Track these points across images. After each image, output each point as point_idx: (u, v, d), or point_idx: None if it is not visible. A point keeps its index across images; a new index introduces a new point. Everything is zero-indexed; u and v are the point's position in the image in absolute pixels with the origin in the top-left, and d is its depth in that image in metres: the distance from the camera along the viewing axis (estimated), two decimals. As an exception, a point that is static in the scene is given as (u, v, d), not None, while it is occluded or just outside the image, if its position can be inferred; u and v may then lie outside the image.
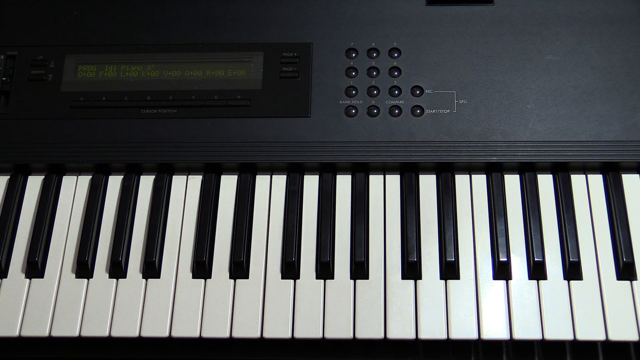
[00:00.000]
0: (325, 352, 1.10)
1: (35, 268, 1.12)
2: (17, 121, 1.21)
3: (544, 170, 1.16)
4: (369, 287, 1.09)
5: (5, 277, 1.12)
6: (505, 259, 1.09)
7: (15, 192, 1.18)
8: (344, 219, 1.14)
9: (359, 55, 1.23)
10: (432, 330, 1.06)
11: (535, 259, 1.09)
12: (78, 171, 1.20)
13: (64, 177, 1.20)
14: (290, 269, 1.10)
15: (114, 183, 1.19)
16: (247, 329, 1.07)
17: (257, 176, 1.18)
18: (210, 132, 1.19)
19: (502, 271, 1.09)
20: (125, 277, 1.12)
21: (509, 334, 1.06)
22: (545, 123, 1.17)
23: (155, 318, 1.08)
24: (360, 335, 1.06)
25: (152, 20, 1.27)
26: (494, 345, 1.09)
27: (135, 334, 1.08)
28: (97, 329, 1.08)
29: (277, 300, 1.09)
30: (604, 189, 1.15)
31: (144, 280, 1.11)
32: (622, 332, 1.05)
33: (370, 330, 1.06)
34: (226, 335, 1.07)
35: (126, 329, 1.08)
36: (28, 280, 1.12)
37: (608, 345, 1.08)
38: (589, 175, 1.16)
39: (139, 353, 1.10)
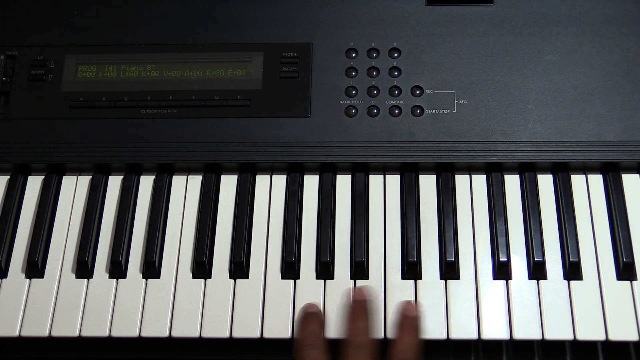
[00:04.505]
0: (325, 352, 1.09)
1: (35, 268, 1.12)
2: (17, 121, 1.21)
3: (544, 170, 1.16)
4: (369, 287, 1.09)
5: (5, 277, 1.12)
6: (505, 259, 1.09)
7: (15, 192, 1.18)
8: (344, 219, 1.14)
9: (359, 55, 1.23)
10: (432, 330, 1.06)
11: (535, 259, 1.09)
12: (78, 171, 1.20)
13: (64, 177, 1.20)
14: (290, 269, 1.10)
15: (114, 183, 1.19)
16: (247, 329, 1.07)
17: (257, 176, 1.18)
18: (210, 132, 1.19)
19: (502, 271, 1.09)
20: (125, 277, 1.12)
21: (509, 334, 1.06)
22: (545, 123, 1.17)
23: (155, 318, 1.08)
24: (360, 335, 1.06)
25: (152, 20, 1.26)
26: (494, 345, 1.09)
27: (135, 334, 1.08)
28: (97, 329, 1.08)
29: (277, 300, 1.09)
30: (604, 189, 1.15)
31: (144, 280, 1.11)
32: (622, 332, 1.05)
33: (370, 330, 1.06)
34: (226, 335, 1.07)
35: (126, 329, 1.08)
36: (28, 280, 1.12)
37: (608, 345, 1.08)
38: (589, 175, 1.16)
39: (139, 353, 1.10)
